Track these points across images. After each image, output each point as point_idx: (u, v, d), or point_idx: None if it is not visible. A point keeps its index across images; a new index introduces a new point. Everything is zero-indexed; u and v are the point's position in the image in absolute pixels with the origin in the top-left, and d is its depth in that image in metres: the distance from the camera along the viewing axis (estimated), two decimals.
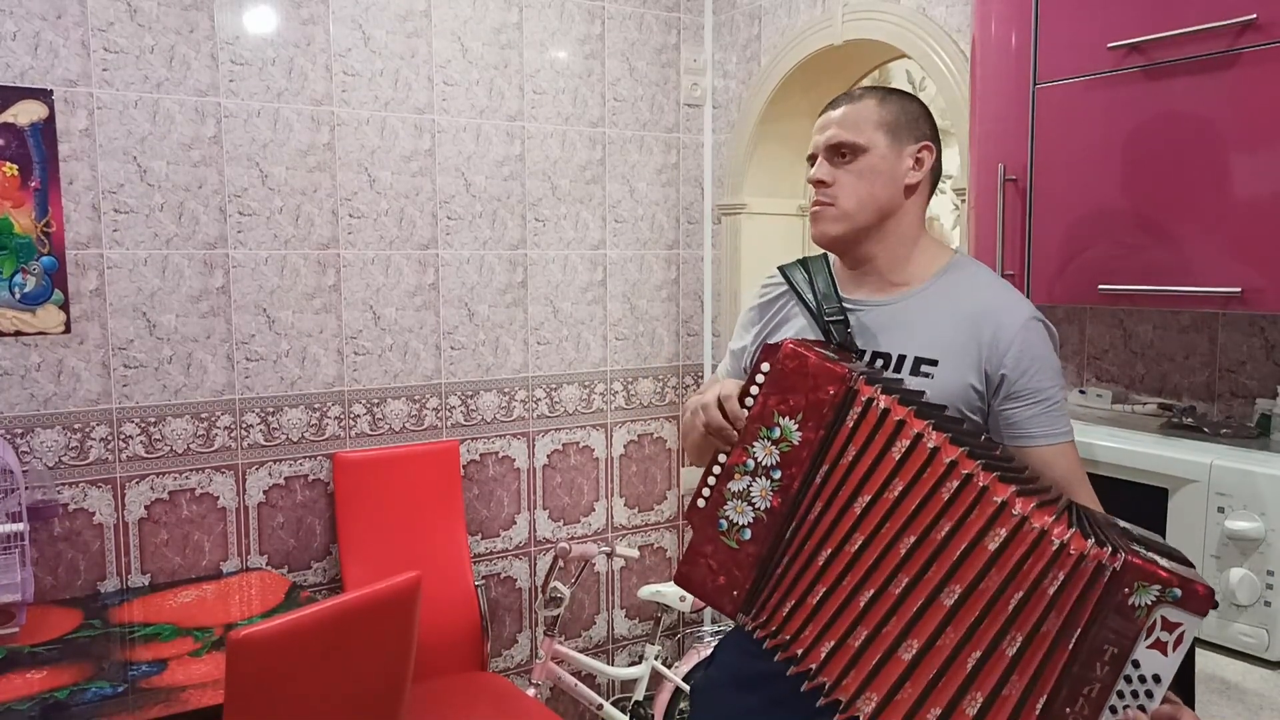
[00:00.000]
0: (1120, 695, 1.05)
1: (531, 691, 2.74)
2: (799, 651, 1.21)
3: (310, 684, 1.75)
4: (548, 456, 3.12)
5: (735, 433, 1.31)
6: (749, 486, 1.29)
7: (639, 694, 2.95)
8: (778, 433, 1.28)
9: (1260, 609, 1.44)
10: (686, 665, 2.94)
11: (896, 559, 1.17)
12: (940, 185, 1.54)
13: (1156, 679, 1.04)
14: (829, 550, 1.22)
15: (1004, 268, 1.83)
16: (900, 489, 1.19)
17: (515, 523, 3.07)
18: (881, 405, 1.22)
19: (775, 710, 1.32)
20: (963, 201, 2.21)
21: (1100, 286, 1.69)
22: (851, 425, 1.23)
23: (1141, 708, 1.03)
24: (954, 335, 1.37)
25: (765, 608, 1.26)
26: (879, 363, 1.41)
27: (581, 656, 2.89)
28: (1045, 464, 1.35)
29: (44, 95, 2.30)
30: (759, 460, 1.29)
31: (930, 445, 1.18)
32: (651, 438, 3.31)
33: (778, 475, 1.27)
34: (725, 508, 1.30)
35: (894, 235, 1.44)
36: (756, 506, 1.28)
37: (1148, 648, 1.04)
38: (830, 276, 1.50)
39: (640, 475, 3.31)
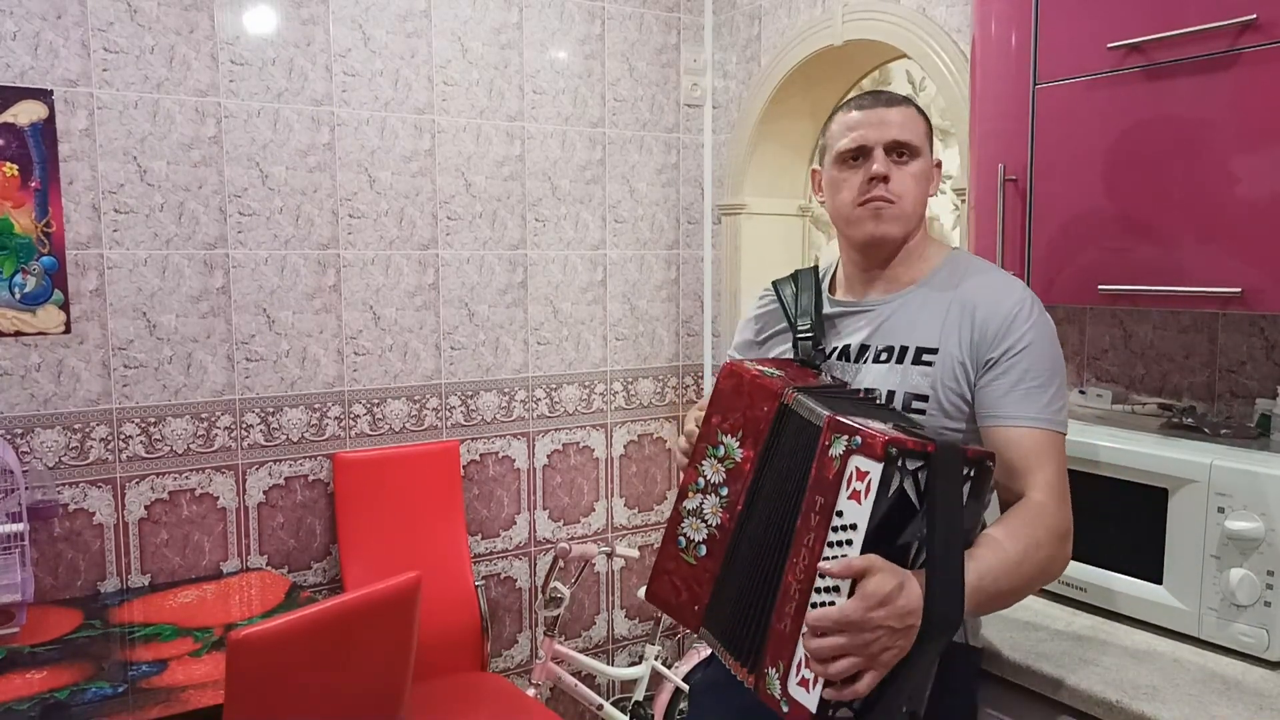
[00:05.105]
0: (830, 545, 1.12)
1: (531, 691, 2.74)
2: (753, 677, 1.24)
3: (310, 684, 1.75)
4: (548, 457, 3.11)
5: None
6: (701, 504, 1.34)
7: (639, 694, 2.95)
8: (722, 451, 1.33)
9: (1260, 609, 1.44)
10: (686, 665, 2.94)
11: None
12: (940, 185, 1.56)
13: (853, 527, 1.10)
14: (764, 566, 1.25)
15: (1004, 268, 1.83)
16: (802, 490, 1.22)
17: (515, 523, 3.07)
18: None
19: (767, 710, 1.33)
20: (963, 201, 2.21)
21: (1100, 286, 1.69)
22: (785, 438, 1.27)
23: (845, 555, 1.10)
24: (949, 323, 1.39)
25: (740, 642, 1.27)
26: (883, 356, 1.42)
27: (581, 656, 2.89)
28: (1006, 445, 1.31)
29: (44, 95, 2.30)
30: (708, 478, 1.34)
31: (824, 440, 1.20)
32: (651, 438, 3.31)
33: (725, 492, 1.32)
34: (683, 525, 1.35)
35: (915, 238, 1.48)
36: (709, 523, 1.33)
37: (848, 498, 1.11)
38: (818, 289, 1.54)
39: (640, 475, 3.31)
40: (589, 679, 3.08)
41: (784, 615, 1.15)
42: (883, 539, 1.10)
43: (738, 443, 1.31)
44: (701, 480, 1.33)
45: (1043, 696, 1.46)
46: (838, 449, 1.13)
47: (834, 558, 1.11)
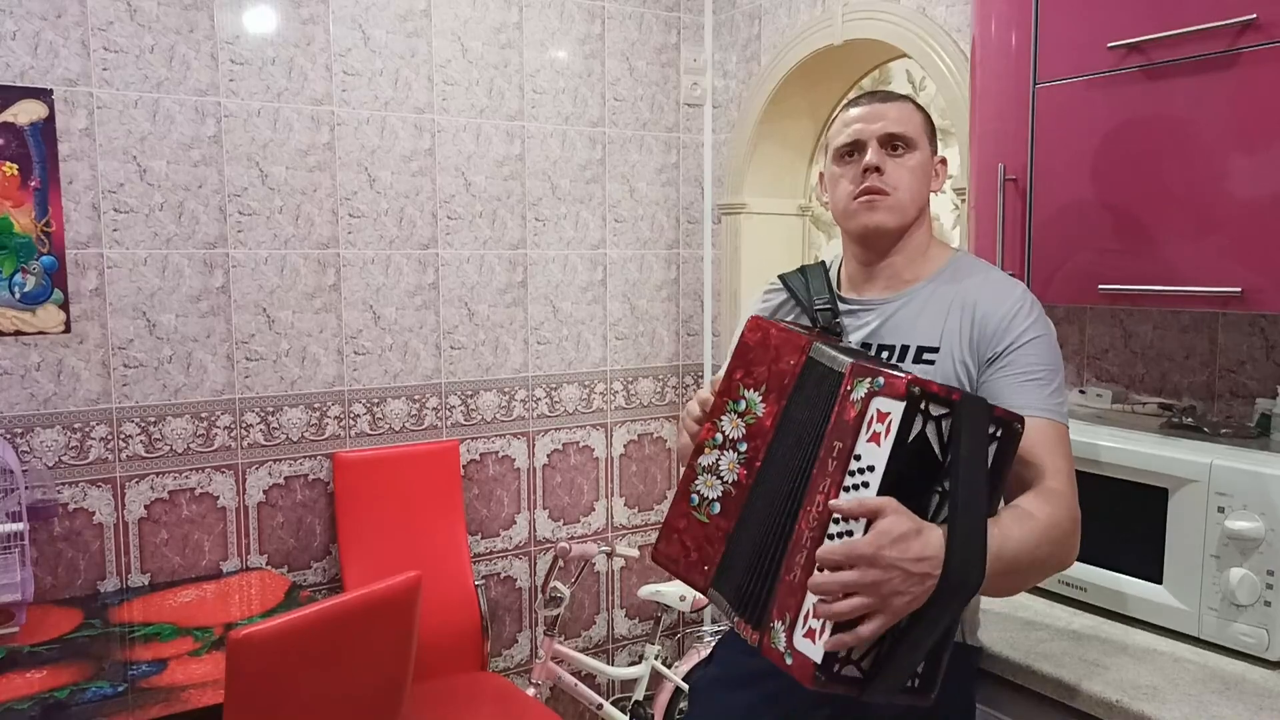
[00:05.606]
0: (845, 490, 1.09)
1: (531, 691, 2.74)
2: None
3: (310, 684, 1.75)
4: (548, 456, 3.11)
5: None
6: (717, 460, 1.29)
7: (639, 694, 2.95)
8: (743, 405, 1.29)
9: (1260, 609, 1.44)
10: (686, 665, 2.94)
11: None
12: (945, 181, 1.56)
13: (871, 469, 1.07)
14: (778, 518, 1.20)
15: (1004, 268, 1.83)
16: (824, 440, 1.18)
17: (515, 522, 3.07)
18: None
19: (769, 707, 1.32)
20: (963, 201, 2.21)
21: (1100, 286, 1.69)
22: (806, 388, 1.24)
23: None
24: (950, 322, 1.40)
25: (750, 600, 1.22)
26: (884, 354, 1.42)
27: (581, 656, 2.89)
28: None
29: (44, 95, 2.30)
30: (726, 434, 1.29)
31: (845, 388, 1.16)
32: (651, 437, 3.31)
33: (744, 448, 1.27)
34: (696, 482, 1.30)
35: (916, 235, 1.48)
36: (725, 480, 1.28)
37: (867, 441, 1.08)
38: (827, 281, 1.54)
39: (640, 475, 3.31)
40: (589, 678, 3.08)
41: (793, 565, 1.10)
42: (902, 488, 1.05)
43: (760, 397, 1.27)
44: (719, 436, 1.29)
45: (1041, 696, 1.46)
46: (859, 392, 1.10)
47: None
